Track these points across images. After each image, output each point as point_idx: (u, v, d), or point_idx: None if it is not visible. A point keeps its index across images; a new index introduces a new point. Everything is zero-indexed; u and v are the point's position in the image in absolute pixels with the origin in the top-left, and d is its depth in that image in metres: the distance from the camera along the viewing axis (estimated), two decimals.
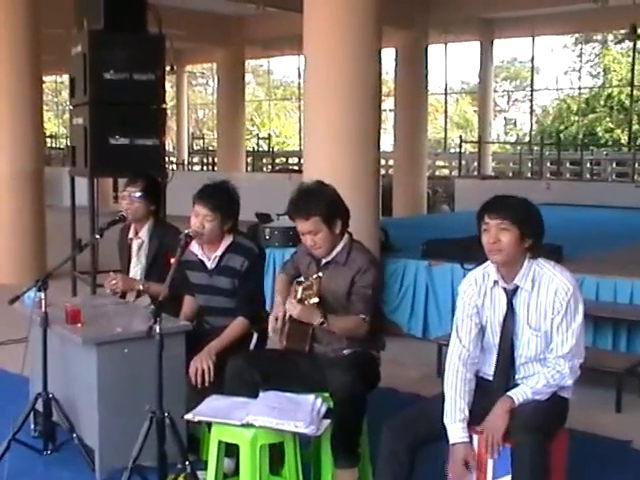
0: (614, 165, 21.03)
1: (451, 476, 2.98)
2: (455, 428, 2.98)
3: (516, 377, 3.09)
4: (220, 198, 3.97)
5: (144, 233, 4.59)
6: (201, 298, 4.12)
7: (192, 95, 34.52)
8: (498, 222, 2.98)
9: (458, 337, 3.12)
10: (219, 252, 4.00)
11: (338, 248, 3.64)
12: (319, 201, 3.56)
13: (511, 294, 3.07)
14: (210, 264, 4.02)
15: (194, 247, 4.02)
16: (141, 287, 4.46)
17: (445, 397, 3.05)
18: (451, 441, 2.98)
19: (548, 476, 2.85)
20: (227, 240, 4.00)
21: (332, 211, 3.58)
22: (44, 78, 10.73)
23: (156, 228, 4.57)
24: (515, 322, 3.06)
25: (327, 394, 3.38)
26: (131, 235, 4.64)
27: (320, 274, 3.52)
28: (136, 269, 4.60)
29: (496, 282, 3.09)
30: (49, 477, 3.86)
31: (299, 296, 3.49)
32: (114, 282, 4.42)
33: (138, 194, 4.52)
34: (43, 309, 3.80)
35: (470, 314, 3.12)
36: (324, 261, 3.66)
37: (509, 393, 2.99)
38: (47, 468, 3.93)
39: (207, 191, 3.97)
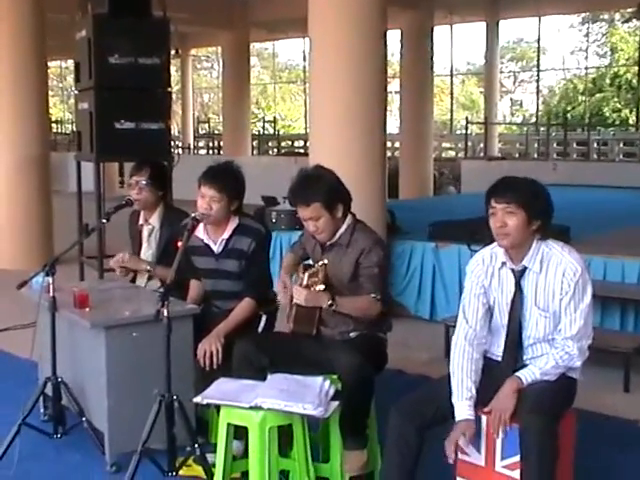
0: (621, 145, 20.90)
1: (447, 451, 2.96)
2: (462, 405, 2.99)
3: (524, 358, 3.09)
4: (226, 179, 3.96)
5: (155, 220, 4.58)
6: (208, 282, 4.12)
7: (197, 79, 34.44)
8: (504, 206, 2.97)
9: (465, 317, 3.12)
10: (226, 235, 3.99)
11: (341, 230, 3.63)
12: (318, 187, 3.55)
13: (519, 275, 3.06)
14: (217, 248, 4.02)
15: (199, 232, 4.01)
16: (148, 268, 4.47)
17: (452, 376, 3.06)
18: (457, 418, 2.99)
19: (556, 456, 2.85)
20: (233, 222, 4.00)
21: (332, 196, 3.57)
22: (49, 63, 10.71)
23: (167, 214, 4.56)
24: (523, 303, 3.06)
25: (335, 376, 3.39)
26: (141, 221, 4.63)
27: (325, 261, 3.51)
28: (146, 255, 4.60)
29: (504, 263, 3.09)
30: (59, 460, 3.89)
31: (305, 283, 3.48)
32: (121, 256, 4.43)
33: (145, 182, 4.50)
34: (51, 294, 3.81)
35: (477, 294, 3.12)
36: (328, 244, 3.66)
37: (517, 374, 2.99)
38: (57, 451, 3.96)
39: (213, 172, 3.96)
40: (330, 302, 3.45)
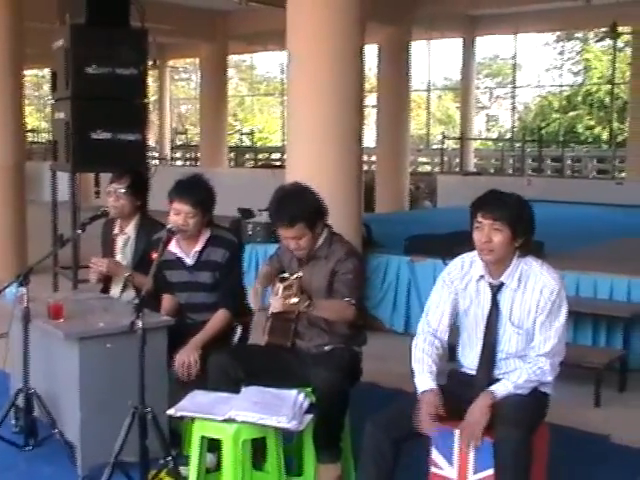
0: (595, 162, 21.14)
1: (420, 426, 2.95)
2: (424, 377, 3.02)
3: (497, 372, 3.11)
4: (199, 193, 3.96)
5: (131, 229, 4.54)
6: (182, 296, 4.11)
7: (175, 90, 34.32)
8: (491, 222, 2.99)
9: (427, 320, 3.16)
10: (198, 247, 3.99)
11: (319, 243, 3.64)
12: (302, 206, 3.54)
13: (496, 290, 3.08)
14: (190, 260, 4.01)
15: (172, 245, 4.00)
16: (126, 274, 4.41)
17: (413, 368, 3.08)
18: (420, 389, 3.00)
19: (529, 470, 2.87)
20: (205, 234, 4.00)
21: (315, 215, 3.58)
22: (25, 72, 10.65)
23: (143, 224, 4.52)
24: (498, 319, 3.08)
25: (310, 389, 3.39)
26: (116, 231, 4.58)
27: (300, 274, 3.52)
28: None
29: (482, 276, 3.11)
30: (30, 473, 3.85)
31: (280, 295, 3.48)
32: (100, 263, 4.38)
33: (123, 190, 4.46)
34: (25, 304, 3.78)
35: (447, 298, 3.13)
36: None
37: (491, 388, 3.01)
38: (28, 464, 3.91)
39: (184, 187, 3.95)
40: (307, 303, 3.42)
